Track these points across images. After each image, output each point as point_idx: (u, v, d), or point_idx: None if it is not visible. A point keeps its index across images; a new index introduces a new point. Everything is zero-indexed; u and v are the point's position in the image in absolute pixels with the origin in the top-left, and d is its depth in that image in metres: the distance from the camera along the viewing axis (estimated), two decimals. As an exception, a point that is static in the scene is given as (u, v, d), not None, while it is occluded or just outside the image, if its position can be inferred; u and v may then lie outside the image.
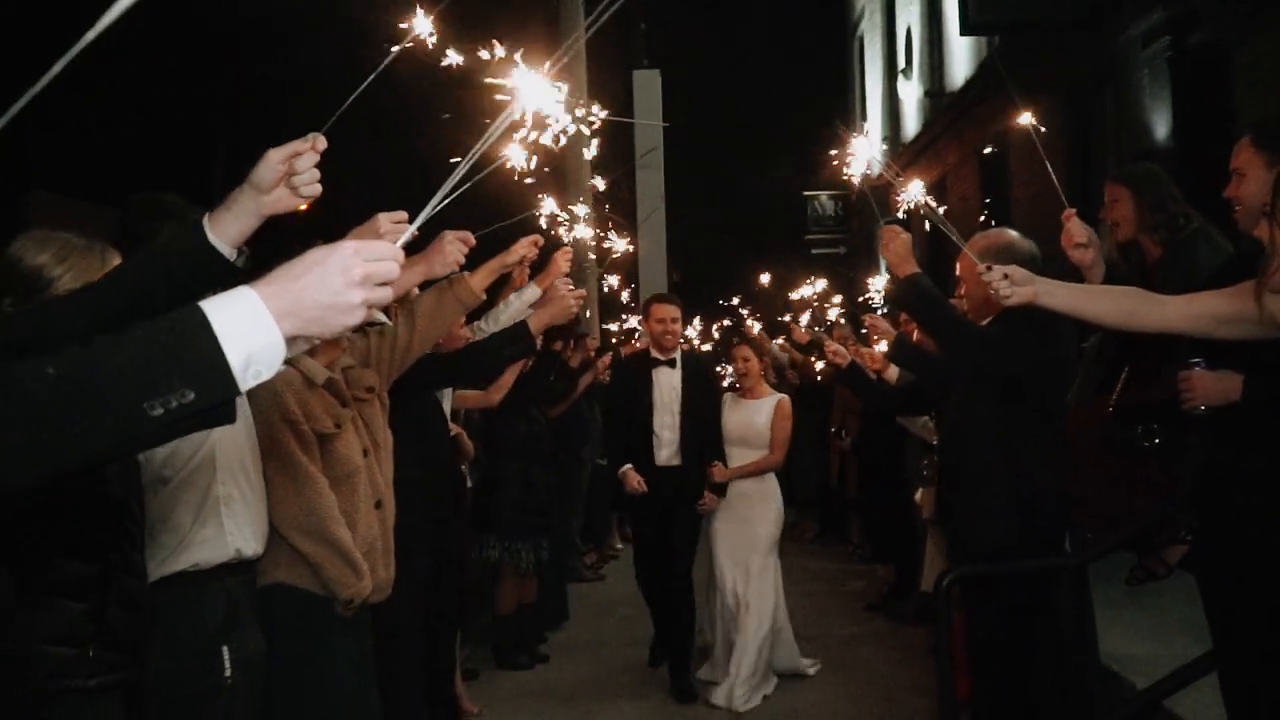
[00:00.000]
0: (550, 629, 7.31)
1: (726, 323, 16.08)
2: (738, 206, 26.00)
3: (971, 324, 3.96)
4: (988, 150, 12.95)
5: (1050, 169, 3.52)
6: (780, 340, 10.40)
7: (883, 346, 5.64)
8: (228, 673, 2.65)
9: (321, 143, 1.98)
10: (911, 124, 17.45)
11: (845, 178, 3.49)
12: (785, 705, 5.80)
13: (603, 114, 3.20)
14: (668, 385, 6.22)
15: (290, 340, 1.31)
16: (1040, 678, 3.86)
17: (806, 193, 23.10)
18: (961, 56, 14.17)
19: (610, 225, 4.40)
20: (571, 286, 4.07)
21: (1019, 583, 3.82)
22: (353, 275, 1.32)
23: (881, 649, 6.81)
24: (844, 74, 23.78)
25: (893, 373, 5.70)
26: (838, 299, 8.58)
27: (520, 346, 4.07)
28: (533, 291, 4.39)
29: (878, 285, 7.26)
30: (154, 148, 10.83)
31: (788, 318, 9.56)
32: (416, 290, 3.72)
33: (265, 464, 2.91)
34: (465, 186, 1.59)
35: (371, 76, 1.88)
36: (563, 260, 4.07)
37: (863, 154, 3.36)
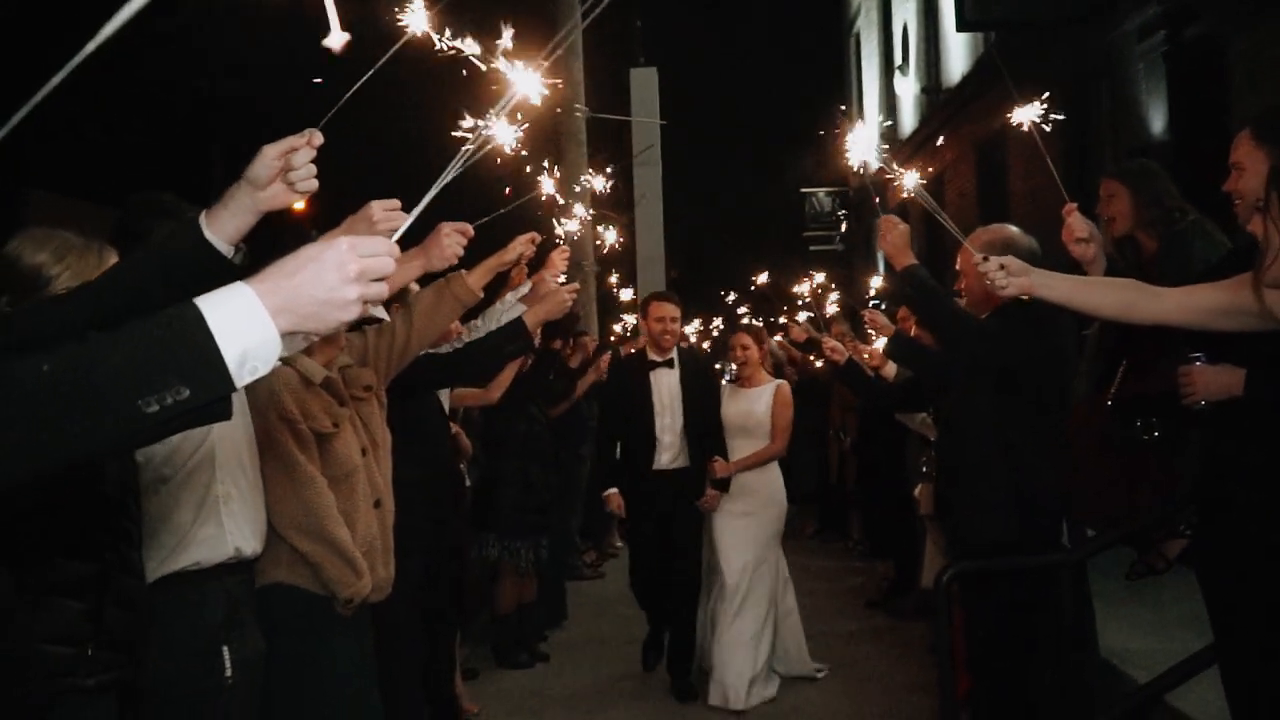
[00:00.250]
0: (550, 628, 7.31)
1: (721, 326, 16.06)
2: (736, 204, 26.02)
3: (970, 316, 3.96)
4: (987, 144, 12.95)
5: (1050, 163, 3.51)
6: (779, 338, 10.40)
7: (880, 343, 5.64)
8: (228, 673, 2.65)
9: (318, 138, 1.97)
10: (908, 120, 17.45)
11: (844, 163, 3.47)
12: (785, 703, 5.80)
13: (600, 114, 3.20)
14: (667, 387, 6.11)
15: (286, 336, 1.31)
16: (1040, 673, 3.86)
17: (804, 189, 23.10)
18: (958, 53, 14.17)
19: (603, 218, 4.34)
20: (561, 282, 4.04)
21: (1018, 578, 3.82)
22: (348, 271, 1.32)
23: (881, 645, 6.82)
24: (841, 71, 23.79)
25: (890, 369, 5.70)
26: (835, 295, 8.56)
27: (518, 344, 4.05)
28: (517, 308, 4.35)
29: (876, 284, 7.22)
30: (152, 148, 10.82)
31: (783, 320, 9.51)
32: (416, 286, 3.72)
33: (263, 464, 2.91)
34: (461, 168, 1.58)
35: (369, 73, 1.87)
36: (559, 259, 4.05)
37: (862, 142, 3.34)
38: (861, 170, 3.81)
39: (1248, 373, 2.79)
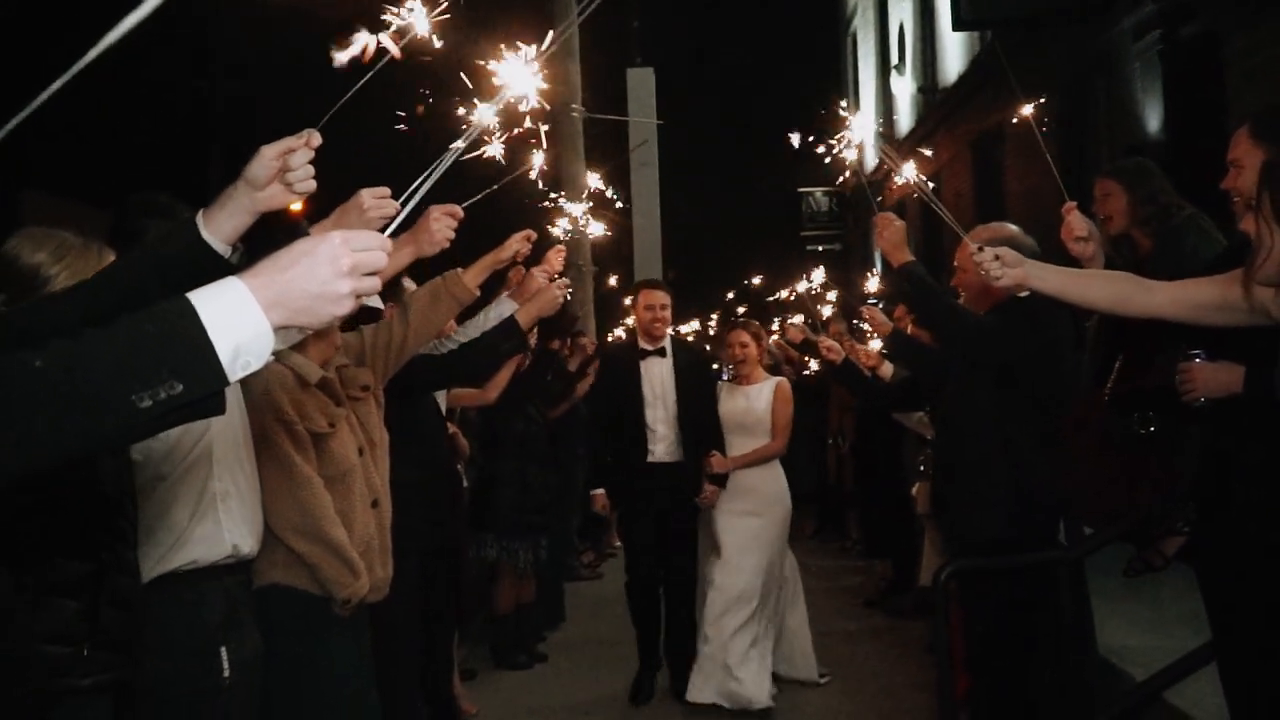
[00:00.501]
0: (548, 629, 7.31)
1: (716, 325, 16.06)
2: (733, 204, 26.03)
3: (968, 313, 3.95)
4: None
5: (1050, 161, 3.52)
6: (775, 338, 10.41)
7: (876, 344, 5.64)
8: (226, 673, 2.65)
9: (316, 139, 1.97)
10: (905, 120, 17.46)
11: (839, 156, 3.46)
12: (784, 702, 5.79)
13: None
14: (658, 376, 5.95)
15: (279, 331, 1.31)
16: (1039, 672, 3.86)
17: (801, 189, 23.11)
18: (954, 52, 14.19)
19: (596, 214, 4.28)
20: (549, 278, 4.00)
21: (1016, 576, 3.82)
22: (341, 265, 1.32)
23: (880, 645, 6.82)
24: (837, 71, 23.80)
25: (887, 369, 5.70)
26: (833, 295, 8.56)
27: (513, 342, 4.03)
28: (509, 305, 4.32)
29: (873, 287, 7.16)
30: (149, 149, 10.82)
31: (776, 326, 9.48)
32: (411, 285, 3.71)
33: (260, 464, 2.90)
34: (452, 160, 1.58)
35: (369, 74, 1.87)
36: (555, 258, 4.04)
37: (858, 133, 3.33)
38: (858, 170, 3.81)
39: (1247, 370, 2.79)
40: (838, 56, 23.86)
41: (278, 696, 2.93)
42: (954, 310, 3.96)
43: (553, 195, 4.09)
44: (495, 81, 1.85)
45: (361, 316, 3.39)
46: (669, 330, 6.17)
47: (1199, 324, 2.69)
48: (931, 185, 3.44)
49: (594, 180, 5.42)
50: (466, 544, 6.10)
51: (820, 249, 22.57)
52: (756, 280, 10.37)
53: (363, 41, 1.77)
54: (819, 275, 6.88)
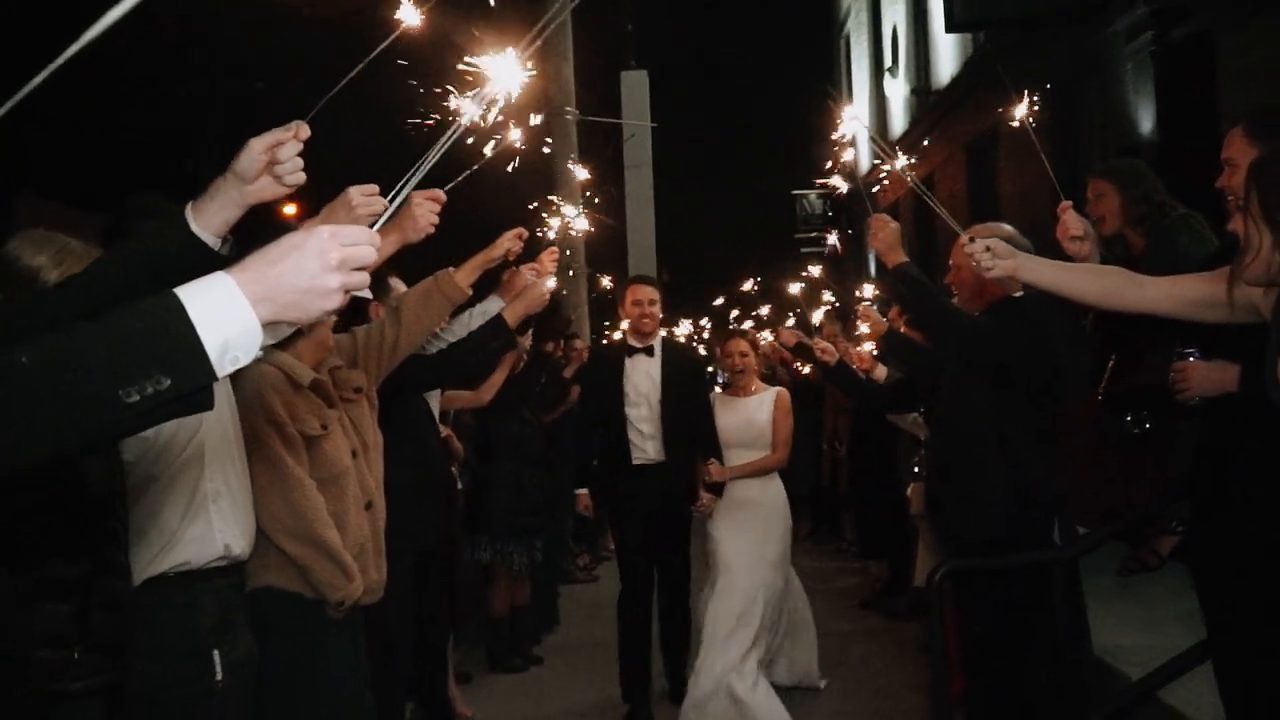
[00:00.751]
0: (544, 631, 7.30)
1: (709, 326, 16.04)
2: (728, 206, 26.05)
3: (962, 313, 3.95)
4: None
5: (1046, 161, 3.52)
6: (769, 339, 10.41)
7: (868, 347, 5.64)
8: (219, 676, 2.64)
9: (304, 131, 1.97)
10: (898, 122, 17.49)
11: (835, 147, 3.45)
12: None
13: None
14: (644, 375, 5.72)
15: (268, 326, 1.31)
16: (1035, 671, 3.87)
17: (795, 191, 23.13)
18: (947, 54, 14.22)
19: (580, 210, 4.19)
20: (536, 274, 3.98)
21: (1011, 575, 3.82)
22: (329, 260, 1.32)
23: (875, 646, 6.82)
24: (831, 73, 23.82)
25: (881, 371, 5.70)
26: (826, 296, 8.56)
27: (501, 341, 4.00)
28: (496, 303, 4.30)
29: (868, 292, 7.08)
30: (142, 152, 10.80)
31: (768, 334, 9.45)
32: (401, 285, 3.71)
33: (251, 466, 2.89)
34: (438, 153, 1.58)
35: (359, 68, 1.87)
36: (548, 259, 4.02)
37: (851, 125, 3.32)
38: (852, 170, 3.81)
39: (1241, 368, 2.79)
40: (831, 59, 23.89)
41: (272, 699, 2.92)
42: (948, 311, 3.96)
43: (549, 198, 4.07)
44: (482, 74, 1.85)
45: (351, 310, 3.37)
46: (660, 330, 5.97)
47: (1190, 320, 2.69)
48: (925, 187, 3.43)
49: (581, 174, 5.37)
50: (461, 547, 6.10)
51: (814, 251, 22.59)
52: (748, 285, 10.33)
53: None
54: (816, 269, 6.71)
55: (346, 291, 1.35)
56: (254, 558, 2.90)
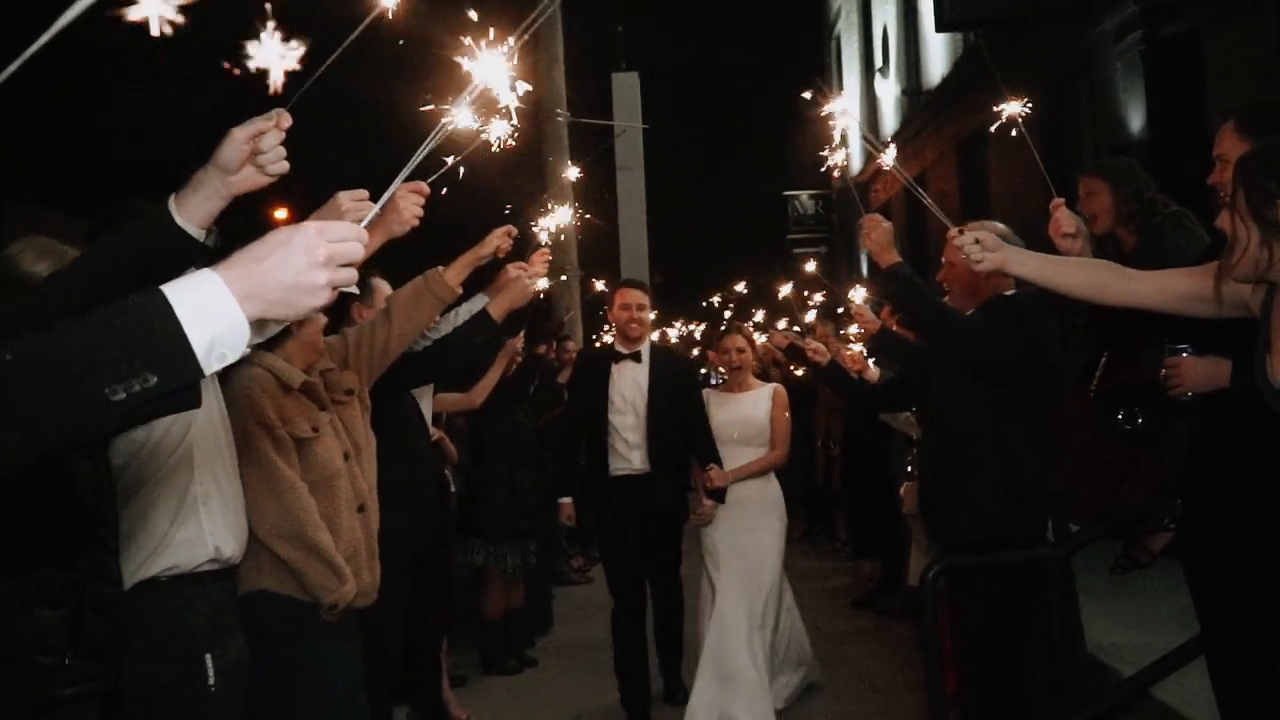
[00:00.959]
0: (539, 633, 7.29)
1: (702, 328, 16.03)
2: (720, 207, 26.07)
3: (955, 312, 3.95)
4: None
5: (1038, 158, 3.51)
6: (762, 340, 10.41)
7: (858, 348, 5.64)
8: (211, 680, 2.63)
9: (286, 120, 1.96)
10: (890, 122, 17.52)
11: (827, 139, 3.43)
12: (774, 703, 5.78)
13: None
14: (631, 382, 5.54)
15: (256, 323, 1.30)
16: (1028, 669, 3.87)
17: (787, 192, 23.16)
18: (938, 54, 14.25)
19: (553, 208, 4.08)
20: (524, 269, 3.95)
21: (1005, 573, 3.83)
22: (316, 256, 1.31)
23: (869, 645, 6.82)
24: (822, 73, 23.86)
25: (873, 372, 5.70)
26: (818, 297, 8.57)
27: (486, 335, 3.95)
28: (480, 300, 4.28)
29: (860, 295, 6.99)
30: (128, 158, 10.78)
31: (762, 336, 9.43)
32: (386, 288, 3.69)
33: (242, 469, 2.89)
34: (425, 150, 1.57)
35: (338, 51, 1.86)
36: (539, 261, 4.01)
37: (841, 121, 3.30)
38: (843, 171, 3.80)
39: (1233, 364, 2.79)
40: (822, 59, 23.93)
41: (265, 703, 2.91)
42: (942, 310, 3.96)
43: (540, 196, 4.05)
44: (469, 71, 1.84)
45: (334, 310, 3.36)
46: (649, 335, 5.81)
47: (1179, 314, 2.68)
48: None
49: (573, 173, 5.32)
50: (455, 549, 6.09)
51: (807, 251, 22.62)
52: (741, 286, 10.33)
53: None
54: (811, 265, 6.62)
55: (334, 288, 1.34)
56: (247, 561, 2.89)
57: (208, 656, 2.64)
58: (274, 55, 1.46)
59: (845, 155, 3.50)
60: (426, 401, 4.68)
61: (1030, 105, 3.48)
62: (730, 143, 26.66)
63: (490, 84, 1.81)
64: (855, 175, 17.82)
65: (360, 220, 1.45)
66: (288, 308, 1.32)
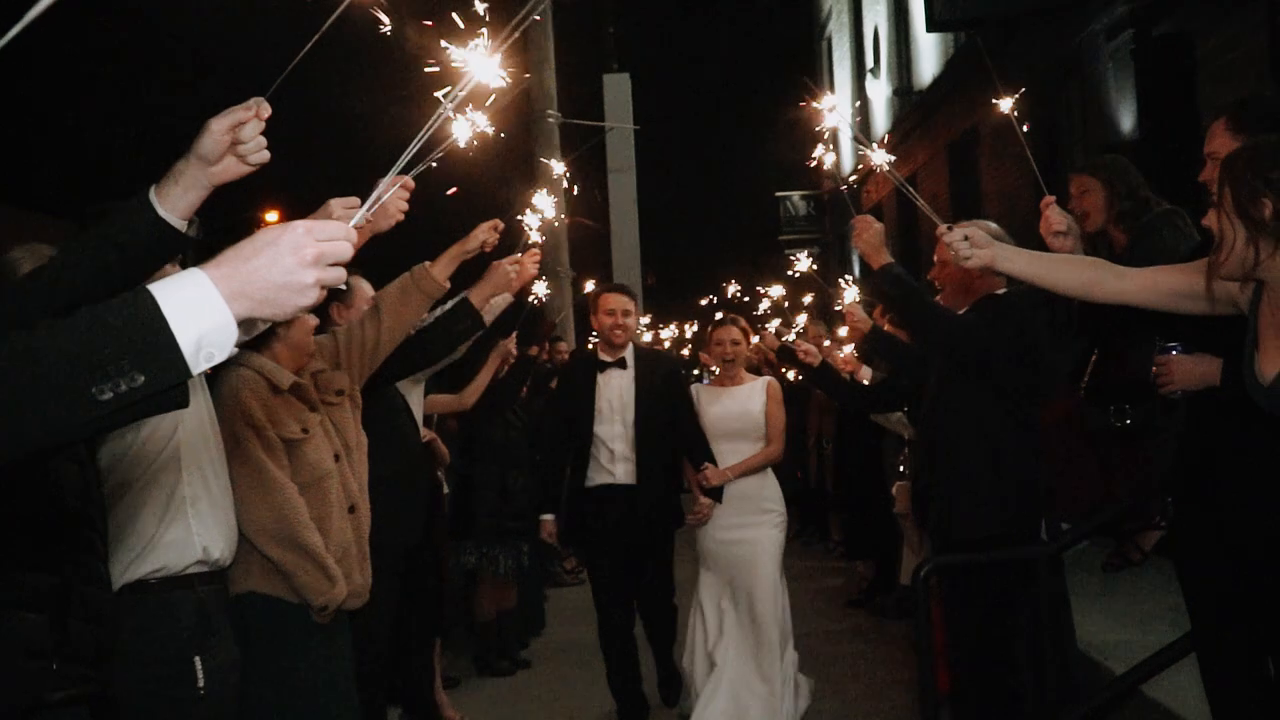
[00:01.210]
0: (532, 635, 7.28)
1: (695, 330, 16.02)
2: (712, 209, 26.10)
3: (948, 311, 3.96)
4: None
5: (1030, 155, 3.51)
6: (755, 340, 10.40)
7: (849, 350, 5.63)
8: (200, 683, 2.62)
9: (265, 109, 1.96)
10: (881, 122, 17.54)
11: (819, 134, 3.42)
12: (768, 703, 5.77)
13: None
14: (616, 389, 5.34)
15: (244, 322, 1.29)
16: (1021, 666, 3.87)
17: (779, 193, 23.19)
18: (929, 54, 14.27)
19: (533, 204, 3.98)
20: (539, 291, 3.95)
21: (996, 571, 3.83)
22: (305, 255, 1.31)
23: (863, 645, 6.82)
24: (813, 74, 23.89)
25: (865, 373, 5.70)
26: (808, 299, 8.57)
27: (468, 323, 3.91)
28: (503, 296, 4.28)
29: (852, 296, 6.94)
30: (111, 157, 10.76)
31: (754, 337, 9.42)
32: (369, 290, 3.68)
33: (232, 470, 2.88)
34: (414, 149, 1.57)
35: (315, 38, 1.85)
36: (530, 263, 3.99)
37: (831, 118, 3.29)
38: (834, 173, 3.80)
39: (1224, 362, 2.79)
40: (814, 60, 23.96)
41: (257, 705, 2.90)
42: (934, 310, 3.96)
43: (527, 191, 4.00)
44: (457, 68, 1.84)
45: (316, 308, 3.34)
46: (632, 340, 5.55)
47: (1169, 311, 2.68)
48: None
49: (558, 168, 5.25)
50: (447, 551, 6.07)
51: (799, 252, 22.63)
52: (733, 289, 10.31)
53: None
54: (803, 264, 6.55)
55: (323, 288, 1.34)
56: (237, 563, 2.89)
57: (197, 659, 2.63)
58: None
59: (835, 157, 3.49)
60: (416, 400, 4.67)
61: (1021, 105, 3.48)
62: (722, 144, 26.71)
63: (481, 77, 1.80)
64: (847, 176, 17.84)
65: (351, 222, 1.44)
66: (276, 307, 1.31)
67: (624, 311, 5.38)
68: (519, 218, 3.84)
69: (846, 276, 5.19)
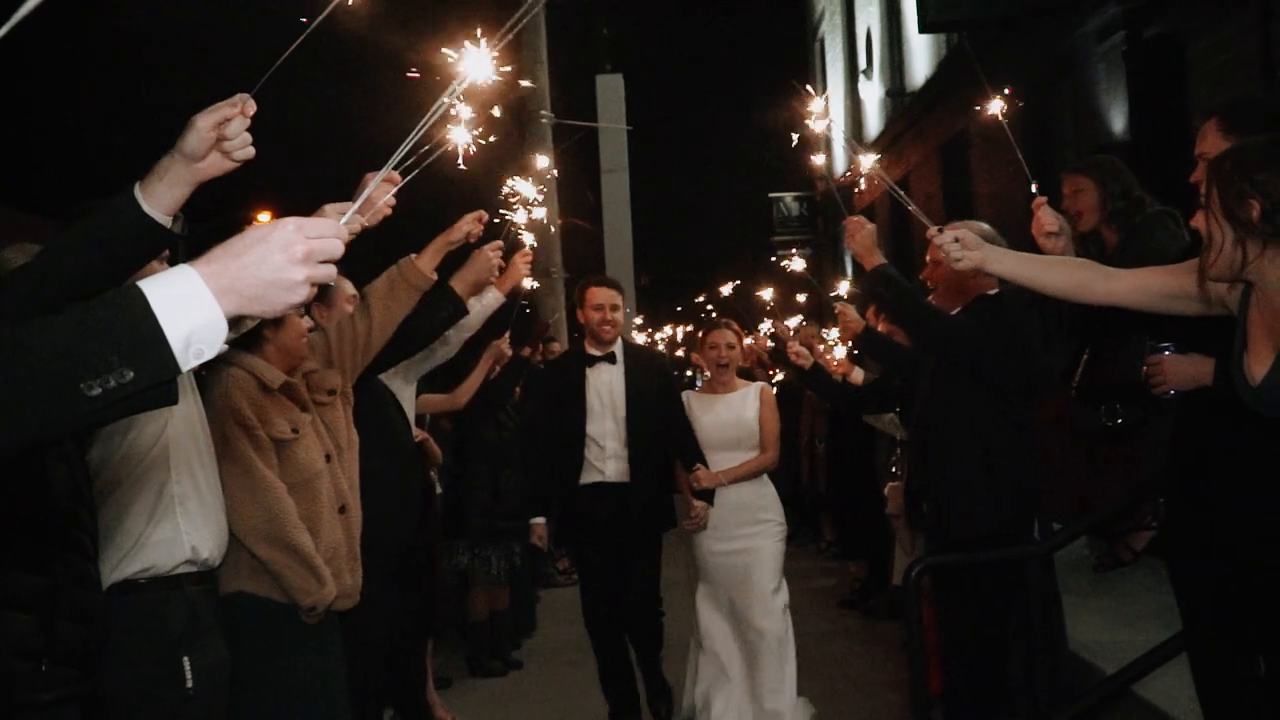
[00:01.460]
0: (524, 635, 7.28)
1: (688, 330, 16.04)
2: (705, 209, 26.11)
3: (941, 311, 3.96)
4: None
5: (1021, 156, 3.52)
6: (749, 341, 10.41)
7: (840, 352, 5.63)
8: (189, 683, 2.62)
9: (250, 106, 1.95)
10: (873, 124, 17.56)
11: (809, 130, 3.42)
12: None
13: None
14: (606, 385, 5.20)
15: (233, 319, 1.29)
16: (1012, 666, 3.88)
17: (772, 194, 23.19)
18: (921, 56, 14.29)
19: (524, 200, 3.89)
20: (530, 288, 3.92)
21: (987, 571, 3.83)
22: (295, 252, 1.31)
23: (855, 645, 6.83)
24: (806, 75, 23.91)
25: (857, 374, 5.69)
26: (801, 298, 8.58)
27: (449, 309, 3.83)
28: (494, 296, 4.26)
29: (844, 291, 6.91)
30: (111, 159, 10.73)
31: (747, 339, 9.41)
32: (351, 289, 3.68)
33: (221, 469, 2.87)
34: (407, 146, 1.57)
35: (305, 34, 1.85)
36: (522, 263, 3.98)
37: (820, 123, 3.30)
38: (825, 174, 3.81)
39: (1216, 362, 2.79)
40: (806, 61, 23.97)
41: (246, 705, 2.90)
42: (927, 310, 3.97)
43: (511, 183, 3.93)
44: (453, 68, 1.84)
45: (315, 301, 3.34)
46: (620, 336, 5.39)
47: (1160, 312, 2.69)
48: (900, 188, 3.43)
49: (543, 161, 5.23)
50: (440, 552, 6.07)
51: (791, 253, 22.62)
52: (727, 289, 10.30)
53: None
54: (797, 264, 6.48)
55: (313, 285, 1.33)
56: (227, 563, 2.88)
57: (186, 659, 2.62)
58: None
59: (827, 158, 3.51)
60: (409, 401, 4.66)
61: (1012, 106, 3.49)
62: (715, 145, 26.72)
63: (476, 76, 1.80)
64: (839, 177, 17.86)
65: (350, 233, 1.44)
66: (266, 304, 1.31)
67: (612, 305, 5.23)
68: (502, 212, 3.82)
69: (845, 284, 5.19)
